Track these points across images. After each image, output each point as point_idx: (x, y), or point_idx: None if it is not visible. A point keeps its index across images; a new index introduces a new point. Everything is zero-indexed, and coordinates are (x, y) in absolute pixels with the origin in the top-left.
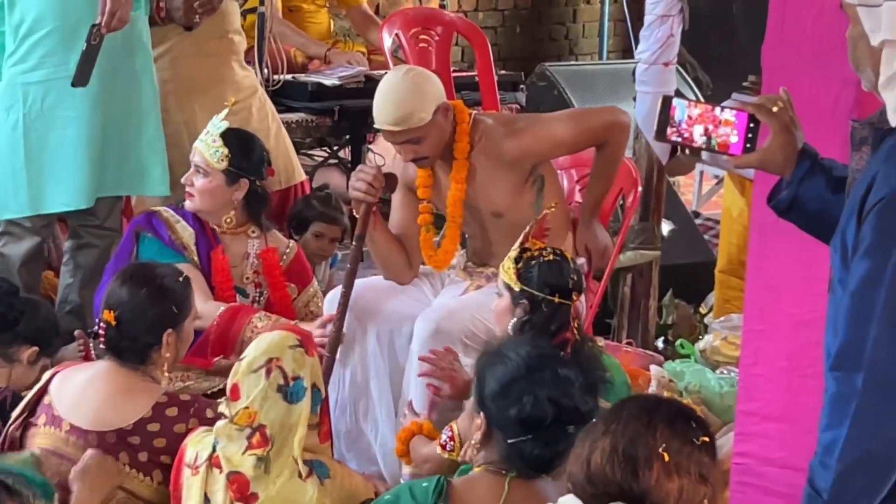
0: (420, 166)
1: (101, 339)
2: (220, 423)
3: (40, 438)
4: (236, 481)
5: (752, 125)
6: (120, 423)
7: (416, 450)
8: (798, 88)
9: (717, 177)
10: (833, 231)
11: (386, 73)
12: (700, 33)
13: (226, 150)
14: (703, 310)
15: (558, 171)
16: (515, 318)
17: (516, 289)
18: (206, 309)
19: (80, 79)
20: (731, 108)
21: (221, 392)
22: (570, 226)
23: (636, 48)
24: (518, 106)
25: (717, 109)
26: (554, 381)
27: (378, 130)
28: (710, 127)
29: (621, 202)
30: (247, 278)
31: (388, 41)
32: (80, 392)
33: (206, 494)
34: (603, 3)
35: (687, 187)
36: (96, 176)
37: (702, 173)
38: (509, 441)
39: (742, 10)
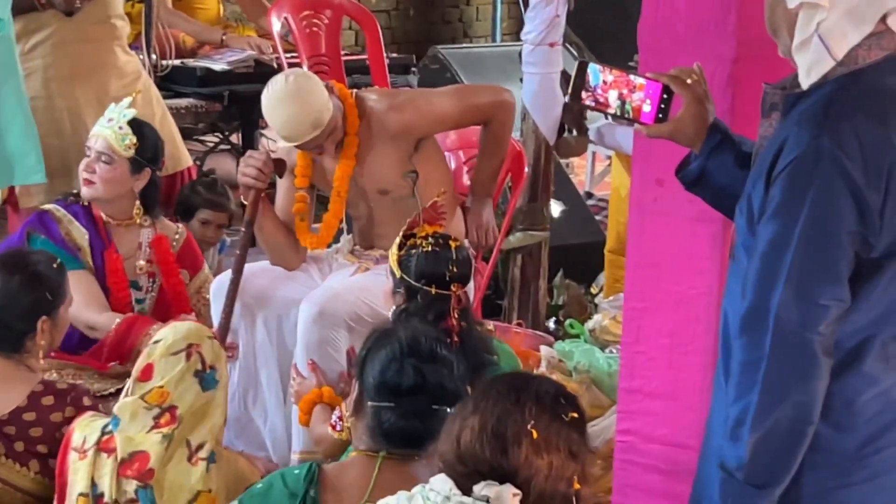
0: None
1: None
2: (123, 401)
3: None
4: (138, 460)
5: (665, 96)
6: None
7: (313, 427)
8: (674, 66)
9: (609, 157)
10: (736, 205)
11: (275, 56)
12: (592, 13)
13: (133, 138)
14: (593, 290)
15: (446, 153)
16: (395, 304)
17: (397, 276)
18: (101, 321)
19: None
20: (645, 77)
21: (114, 395)
22: (456, 208)
23: None
24: (410, 89)
25: (632, 76)
26: (427, 355)
27: None
28: (625, 91)
29: (509, 183)
30: (140, 269)
31: (276, 25)
32: None
33: (92, 479)
34: None
35: (580, 168)
36: None
37: (594, 154)
38: (370, 404)
39: None
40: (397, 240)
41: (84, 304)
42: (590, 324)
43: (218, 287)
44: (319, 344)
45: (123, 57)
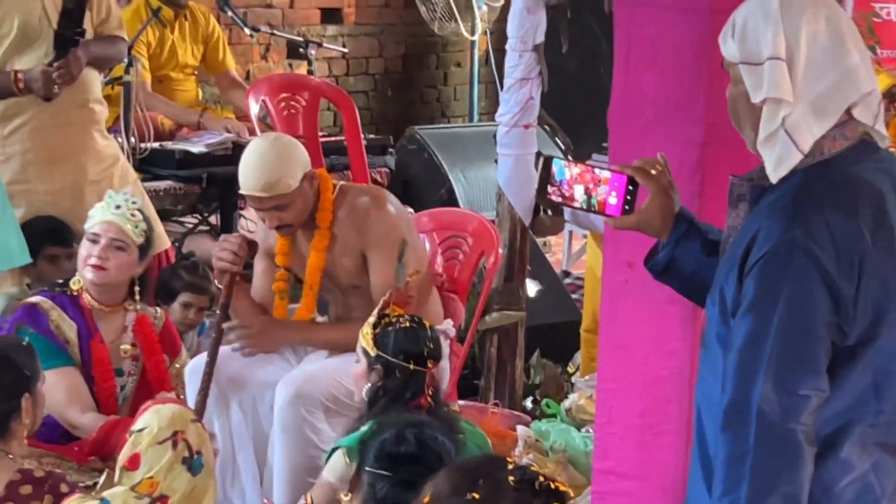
0: (283, 234)
1: None
2: (114, 490)
3: None
4: None
5: (630, 187)
6: None
7: None
8: (642, 150)
9: (585, 236)
10: (706, 293)
11: (253, 139)
12: (568, 95)
13: (145, 226)
14: (570, 369)
15: (421, 234)
16: (370, 383)
17: (372, 354)
18: (85, 421)
19: None
20: (610, 169)
21: (91, 487)
22: (433, 289)
23: None
24: (388, 170)
25: (597, 169)
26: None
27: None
28: (591, 185)
29: (484, 263)
30: (124, 352)
31: (254, 108)
32: None
33: None
34: (473, 66)
35: (557, 247)
36: None
37: (570, 233)
38: (367, 471)
39: (609, 72)
40: (371, 319)
41: (68, 403)
42: (566, 403)
43: (193, 369)
44: (296, 426)
45: (102, 141)
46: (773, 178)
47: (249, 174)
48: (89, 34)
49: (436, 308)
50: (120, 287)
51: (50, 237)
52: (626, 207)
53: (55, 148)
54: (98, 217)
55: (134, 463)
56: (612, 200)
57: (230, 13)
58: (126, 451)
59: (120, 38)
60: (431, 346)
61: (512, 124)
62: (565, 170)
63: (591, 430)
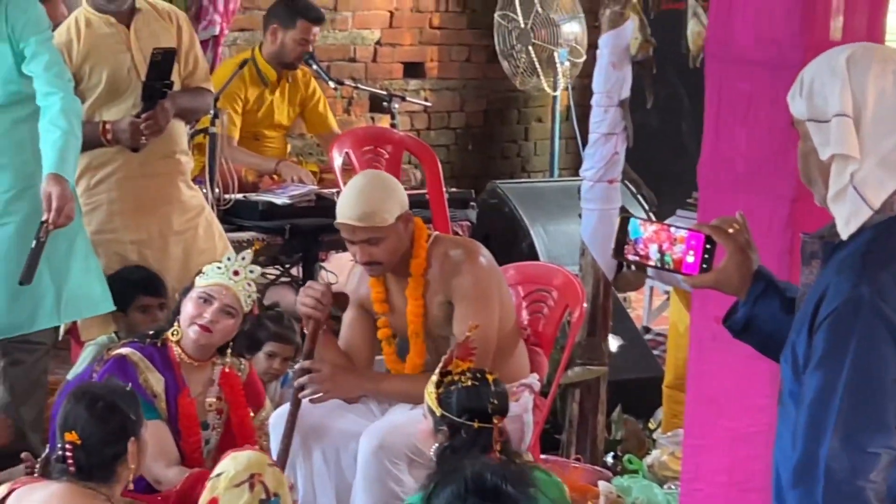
0: (372, 273)
1: (69, 461)
2: None
3: None
4: None
5: (708, 246)
6: None
7: None
8: (733, 205)
9: (666, 292)
10: None
11: (337, 191)
12: (649, 151)
13: (256, 295)
14: (651, 425)
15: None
16: (438, 442)
17: (437, 414)
18: (169, 476)
19: (28, 276)
20: (687, 229)
21: None
22: (519, 341)
23: None
24: (469, 223)
25: (673, 228)
26: (491, 493)
27: (332, 248)
28: (665, 245)
29: (567, 318)
30: (210, 406)
31: (338, 160)
32: None
33: None
34: (554, 121)
35: (637, 303)
36: (18, 309)
37: (651, 289)
38: None
39: (691, 128)
40: (434, 378)
41: (155, 457)
42: (648, 459)
43: (277, 419)
44: (379, 478)
45: (187, 192)
46: (844, 234)
47: (347, 204)
48: (176, 86)
49: (522, 361)
50: (215, 347)
51: (143, 287)
52: (704, 266)
53: (141, 198)
54: (214, 278)
55: None
56: (690, 259)
57: (314, 66)
58: (205, 496)
59: (207, 91)
60: (496, 401)
61: (596, 179)
62: (640, 228)
63: (673, 487)
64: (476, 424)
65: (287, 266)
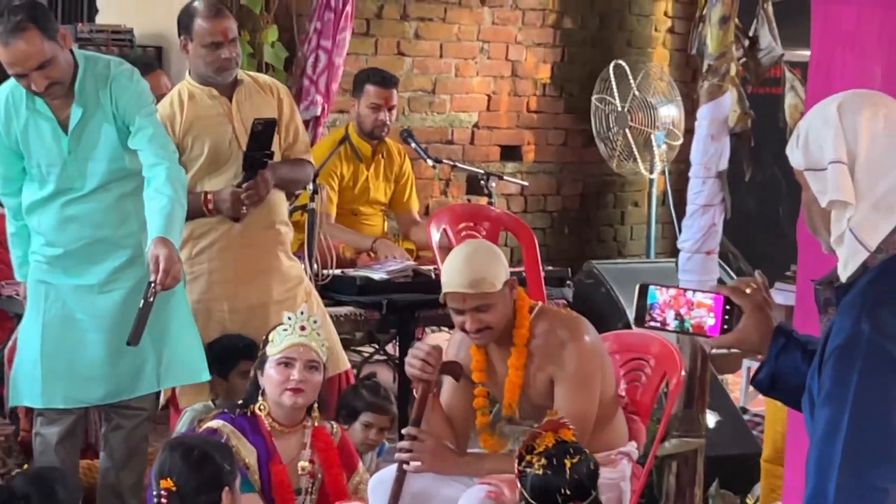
0: (480, 341)
1: None
2: None
3: None
4: None
5: (728, 307)
6: None
7: None
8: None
9: None
10: None
11: (434, 268)
12: (747, 232)
13: (326, 342)
14: (749, 500)
15: None
16: None
17: (518, 488)
18: None
19: (135, 336)
20: (705, 291)
21: None
22: (618, 409)
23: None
24: (565, 301)
25: (689, 292)
26: None
27: (428, 324)
28: (683, 310)
29: (664, 389)
30: (303, 469)
31: (435, 236)
32: None
33: None
34: (650, 205)
35: (735, 385)
36: (120, 375)
37: (748, 369)
38: None
39: (788, 211)
40: (516, 454)
41: None
42: None
43: (378, 483)
44: None
45: (287, 262)
46: (843, 276)
47: (455, 272)
48: (277, 157)
49: (621, 428)
50: (309, 404)
51: (245, 353)
52: (725, 327)
53: (241, 268)
54: (286, 341)
55: None
56: (710, 321)
57: (413, 144)
58: None
59: (307, 162)
60: (568, 492)
61: (694, 250)
62: (657, 294)
63: None
64: None
65: (382, 343)
